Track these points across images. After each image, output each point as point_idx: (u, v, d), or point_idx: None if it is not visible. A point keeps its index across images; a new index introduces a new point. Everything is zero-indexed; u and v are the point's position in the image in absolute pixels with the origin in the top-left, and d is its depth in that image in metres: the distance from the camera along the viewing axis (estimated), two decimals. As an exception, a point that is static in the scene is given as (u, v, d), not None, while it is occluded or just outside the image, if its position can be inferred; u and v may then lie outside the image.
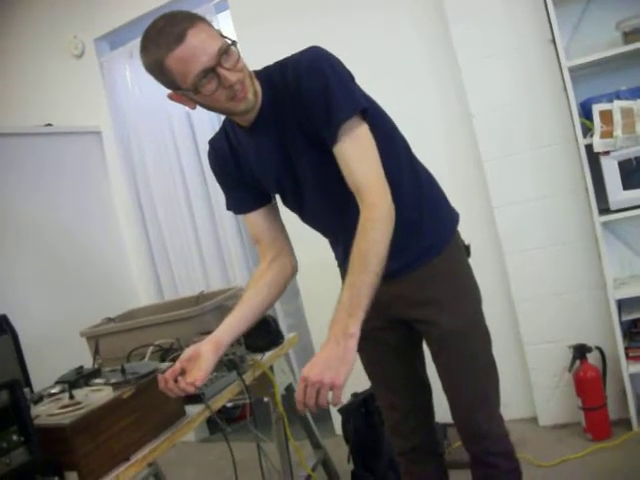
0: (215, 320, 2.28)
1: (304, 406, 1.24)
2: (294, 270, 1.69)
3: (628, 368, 2.60)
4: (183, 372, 1.50)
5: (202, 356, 1.51)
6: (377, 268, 1.31)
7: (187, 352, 1.53)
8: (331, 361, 1.23)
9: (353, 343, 1.25)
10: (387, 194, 1.38)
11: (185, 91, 1.36)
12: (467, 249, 1.71)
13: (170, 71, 1.32)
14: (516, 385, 2.99)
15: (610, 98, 2.53)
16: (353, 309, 1.26)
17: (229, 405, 3.48)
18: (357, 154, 1.39)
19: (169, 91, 1.42)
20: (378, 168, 1.40)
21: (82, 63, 3.91)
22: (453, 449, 2.65)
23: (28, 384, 1.91)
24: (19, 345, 1.95)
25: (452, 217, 1.70)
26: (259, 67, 1.50)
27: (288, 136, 1.47)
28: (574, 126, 2.55)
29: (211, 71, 1.32)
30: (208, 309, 2.25)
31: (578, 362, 2.72)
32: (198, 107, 1.44)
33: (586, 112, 2.60)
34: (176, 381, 1.49)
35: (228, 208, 1.70)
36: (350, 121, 1.38)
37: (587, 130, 2.58)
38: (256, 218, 1.65)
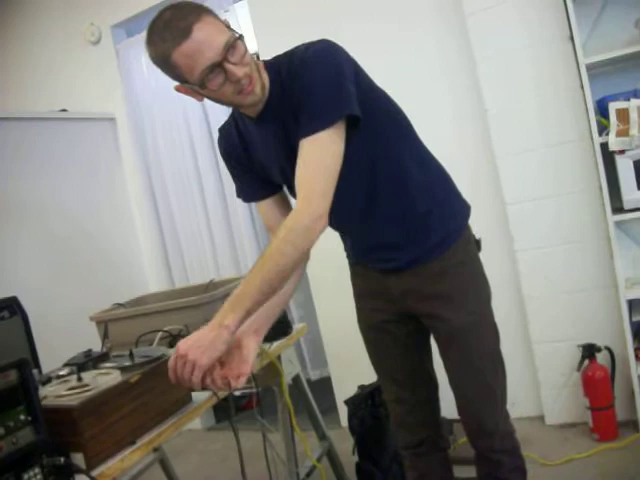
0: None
1: (174, 375, 1.31)
2: (307, 258, 1.69)
3: (637, 369, 2.57)
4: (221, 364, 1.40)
5: (246, 347, 1.45)
6: (272, 276, 1.32)
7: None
8: (201, 342, 1.29)
9: (226, 334, 1.29)
10: (318, 210, 1.34)
11: (192, 85, 1.36)
12: (478, 243, 1.70)
13: (176, 65, 1.32)
14: (523, 383, 2.98)
15: (627, 96, 2.51)
16: (236, 305, 1.31)
17: (236, 393, 3.49)
18: (311, 158, 1.37)
19: (176, 83, 1.41)
20: (324, 180, 1.36)
21: (98, 50, 3.93)
22: (459, 445, 2.64)
23: (37, 366, 1.92)
24: (29, 327, 1.96)
25: (463, 211, 1.69)
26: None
27: (290, 127, 1.46)
28: (590, 124, 2.53)
29: (218, 66, 1.31)
30: (217, 297, 2.25)
31: (587, 362, 2.71)
32: None
33: (602, 110, 2.58)
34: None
35: (238, 195, 1.70)
36: (323, 128, 1.36)
37: (603, 128, 2.56)
38: (268, 206, 1.65)
